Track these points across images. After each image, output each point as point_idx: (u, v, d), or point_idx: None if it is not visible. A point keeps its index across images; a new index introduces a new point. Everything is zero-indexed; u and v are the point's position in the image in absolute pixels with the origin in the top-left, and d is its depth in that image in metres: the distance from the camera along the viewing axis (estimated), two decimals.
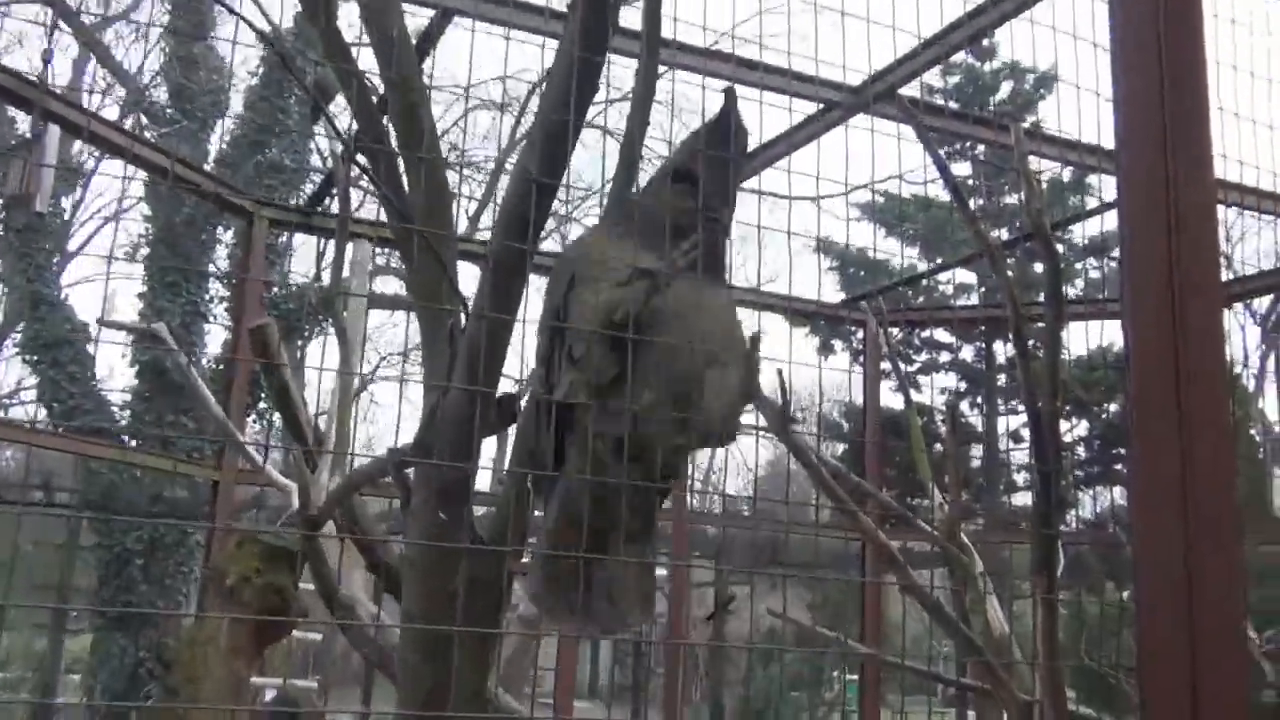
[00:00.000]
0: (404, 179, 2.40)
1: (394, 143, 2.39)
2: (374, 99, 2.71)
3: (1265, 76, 3.50)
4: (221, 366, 12.13)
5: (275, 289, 12.55)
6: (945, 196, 14.83)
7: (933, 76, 15.23)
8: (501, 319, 1.95)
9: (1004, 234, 13.81)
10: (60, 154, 10.05)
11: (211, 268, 12.97)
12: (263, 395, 10.99)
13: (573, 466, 2.08)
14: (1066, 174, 14.18)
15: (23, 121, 13.95)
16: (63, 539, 14.98)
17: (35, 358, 11.98)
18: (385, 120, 2.51)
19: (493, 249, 1.98)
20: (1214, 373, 1.61)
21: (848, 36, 3.03)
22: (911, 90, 5.81)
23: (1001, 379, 15.78)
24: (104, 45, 18.91)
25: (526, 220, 1.87)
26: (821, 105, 5.28)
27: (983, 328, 15.07)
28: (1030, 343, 4.65)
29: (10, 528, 12.03)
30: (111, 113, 18.18)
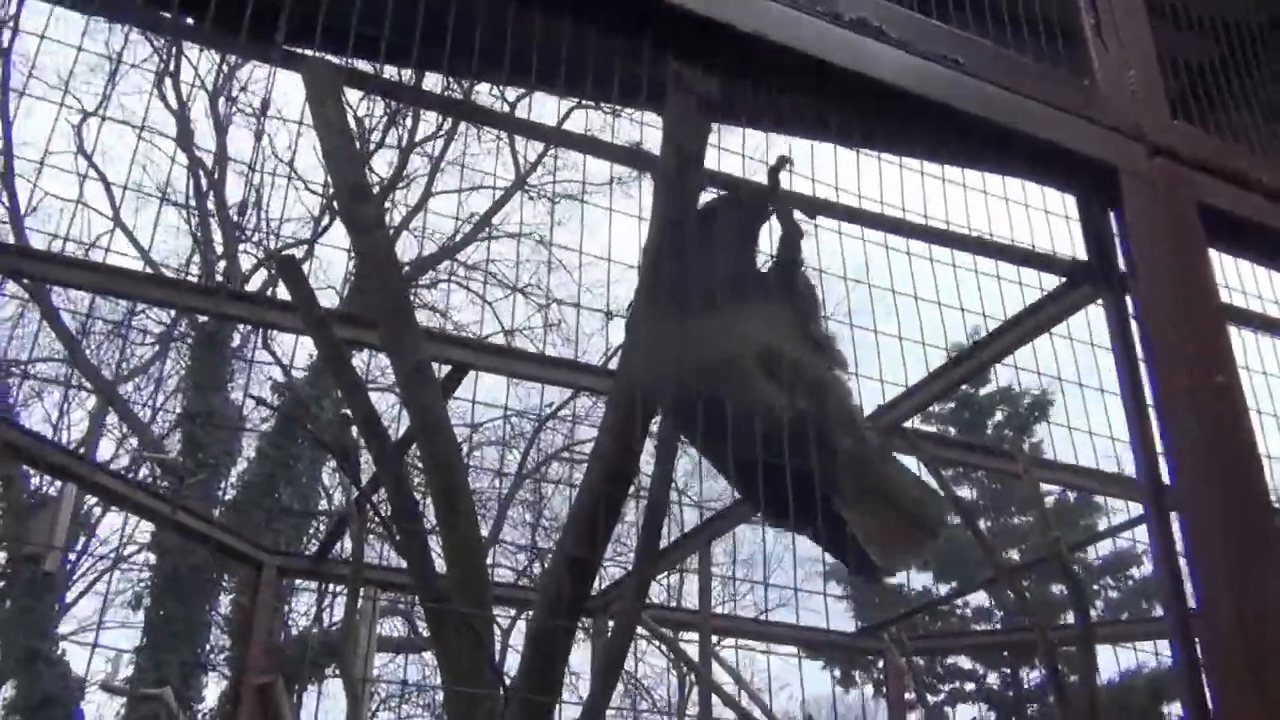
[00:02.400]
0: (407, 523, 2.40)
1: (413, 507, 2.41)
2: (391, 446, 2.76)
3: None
4: None
5: (279, 635, 12.26)
6: (954, 519, 14.82)
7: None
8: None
9: (1015, 554, 13.69)
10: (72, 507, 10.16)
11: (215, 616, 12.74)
12: None
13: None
14: (1072, 494, 14.27)
15: (34, 477, 14.17)
16: None
17: None
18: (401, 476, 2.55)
19: (533, 630, 1.96)
20: None
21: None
22: (912, 419, 5.94)
23: (1033, 706, 15.13)
24: (122, 399, 19.55)
25: (568, 600, 1.86)
26: None
27: (1006, 652, 14.61)
28: (1059, 667, 4.49)
29: None
30: (122, 461, 18.49)
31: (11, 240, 15.05)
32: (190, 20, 3.24)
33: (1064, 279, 4.10)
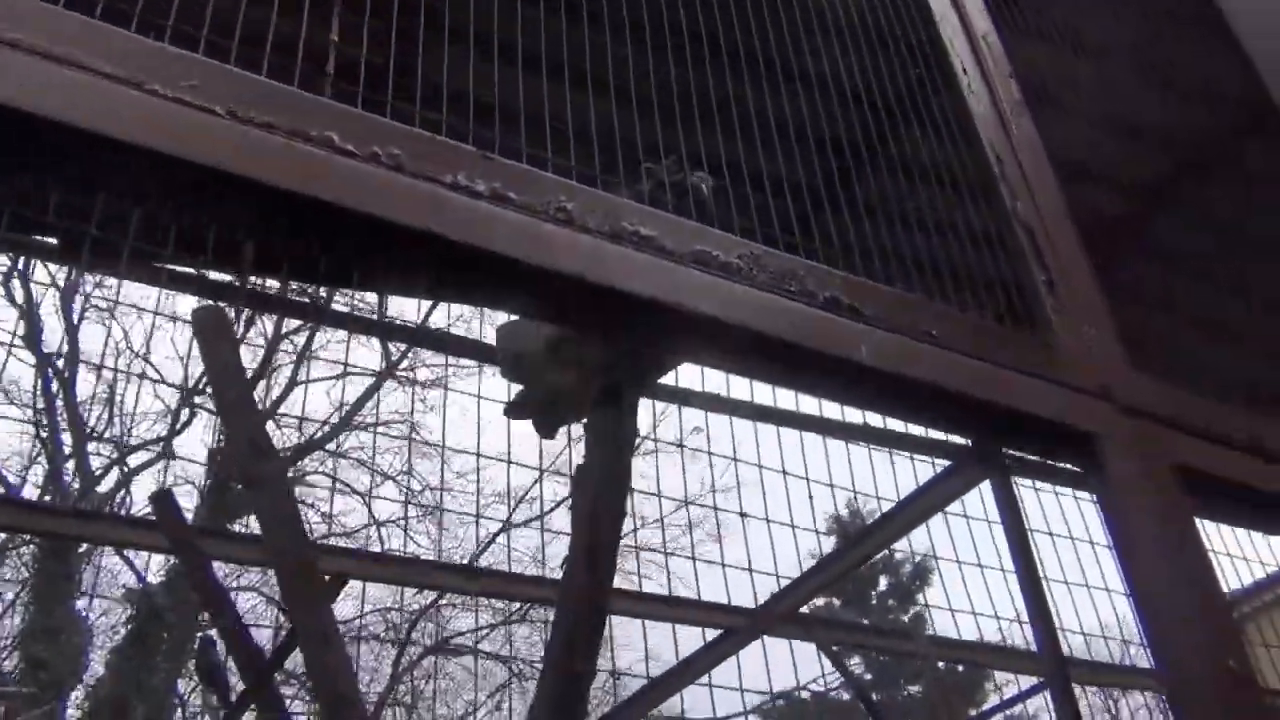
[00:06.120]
0: None
1: None
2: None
3: None
4: None
5: None
6: (847, 697, 14.57)
7: None
8: None
9: None
10: None
11: None
12: None
13: None
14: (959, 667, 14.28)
15: None
16: None
17: None
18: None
19: None
20: None
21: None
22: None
23: None
24: None
25: None
26: (721, 630, 5.22)
27: None
28: None
29: None
30: None
31: None
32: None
33: (949, 462, 4.14)
